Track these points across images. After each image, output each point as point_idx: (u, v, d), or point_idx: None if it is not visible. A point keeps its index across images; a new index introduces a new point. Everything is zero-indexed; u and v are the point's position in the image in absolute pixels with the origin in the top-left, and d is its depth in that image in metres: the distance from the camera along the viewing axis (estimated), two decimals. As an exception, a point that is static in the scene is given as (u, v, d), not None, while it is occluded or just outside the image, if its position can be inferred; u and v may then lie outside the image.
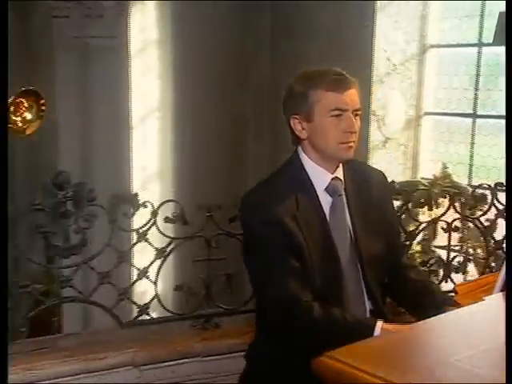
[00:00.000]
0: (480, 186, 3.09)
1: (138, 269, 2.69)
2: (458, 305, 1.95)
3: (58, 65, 6.28)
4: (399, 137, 5.56)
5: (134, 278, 2.70)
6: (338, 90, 2.12)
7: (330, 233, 2.19)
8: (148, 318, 2.73)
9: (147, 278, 2.70)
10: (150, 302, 2.72)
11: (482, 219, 3.03)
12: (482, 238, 3.07)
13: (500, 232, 2.93)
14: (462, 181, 4.92)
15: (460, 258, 3.02)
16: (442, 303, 2.13)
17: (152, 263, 2.71)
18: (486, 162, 5.16)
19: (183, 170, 5.83)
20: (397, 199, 2.94)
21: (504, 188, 2.80)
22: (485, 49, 5.08)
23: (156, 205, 2.66)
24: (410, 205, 2.94)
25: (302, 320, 2.05)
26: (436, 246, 3.46)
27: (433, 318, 1.51)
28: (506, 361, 1.23)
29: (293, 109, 2.19)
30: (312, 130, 2.16)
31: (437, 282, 2.90)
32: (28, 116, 1.60)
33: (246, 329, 2.60)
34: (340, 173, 2.25)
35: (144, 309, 2.71)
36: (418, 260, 3.28)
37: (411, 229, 2.99)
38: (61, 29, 6.23)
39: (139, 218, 2.65)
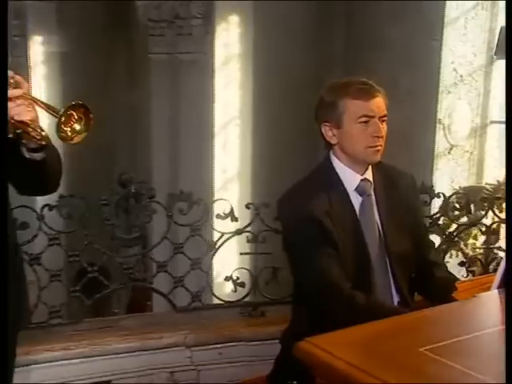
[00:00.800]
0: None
1: (192, 260, 2.79)
2: (454, 301, 1.91)
3: (153, 77, 6.59)
4: (464, 144, 5.41)
5: (188, 268, 2.80)
6: (364, 98, 2.13)
7: (361, 228, 2.20)
8: (200, 304, 2.82)
9: (200, 268, 2.80)
10: (202, 290, 2.82)
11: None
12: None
13: None
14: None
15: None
16: None
17: (204, 255, 2.80)
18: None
19: (260, 173, 5.92)
20: (460, 202, 2.90)
21: None
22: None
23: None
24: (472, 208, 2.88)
25: (343, 305, 2.05)
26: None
27: (416, 312, 1.50)
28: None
29: (324, 117, 2.21)
30: (341, 135, 2.18)
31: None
32: (77, 127, 1.70)
33: (289, 318, 2.64)
34: (369, 174, 2.26)
35: (196, 296, 2.81)
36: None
37: (474, 232, 2.91)
38: (156, 46, 6.52)
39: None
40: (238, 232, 2.81)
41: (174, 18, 6.23)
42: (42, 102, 1.74)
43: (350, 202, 2.21)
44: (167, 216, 2.72)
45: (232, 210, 2.77)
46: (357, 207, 2.21)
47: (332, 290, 2.05)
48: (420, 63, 5.36)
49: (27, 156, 1.78)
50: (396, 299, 2.25)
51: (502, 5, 5.18)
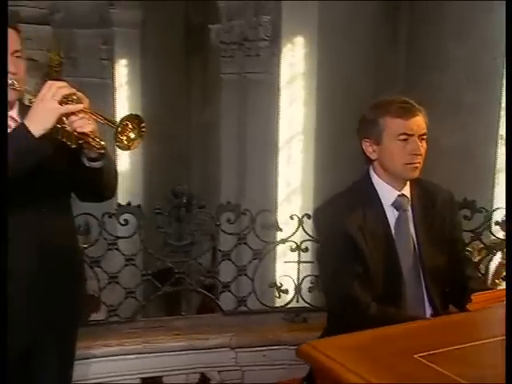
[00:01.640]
0: None
1: (238, 267, 2.82)
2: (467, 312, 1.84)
3: (224, 96, 6.70)
4: (525, 160, 5.18)
5: (235, 274, 2.83)
6: (404, 116, 2.10)
7: (394, 243, 2.16)
8: (245, 308, 2.84)
9: (246, 275, 2.82)
10: (247, 296, 2.83)
11: None
12: None
13: None
14: None
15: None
16: None
17: (250, 262, 2.82)
18: None
19: (322, 185, 5.88)
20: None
21: None
22: None
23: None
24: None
25: (358, 317, 2.05)
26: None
27: (421, 321, 1.46)
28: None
29: (365, 133, 2.19)
30: (381, 152, 2.16)
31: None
32: (132, 135, 1.77)
33: (328, 325, 2.62)
34: (407, 190, 2.22)
35: (242, 301, 2.83)
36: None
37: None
38: (227, 66, 6.64)
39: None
40: (283, 241, 2.82)
41: (244, 41, 6.32)
42: (100, 115, 1.80)
43: (385, 216, 2.18)
44: (215, 225, 2.76)
45: (276, 220, 2.78)
46: (392, 221, 2.18)
47: (350, 303, 2.05)
48: (481, 81, 5.20)
49: (87, 165, 1.87)
50: (428, 311, 2.20)
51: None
